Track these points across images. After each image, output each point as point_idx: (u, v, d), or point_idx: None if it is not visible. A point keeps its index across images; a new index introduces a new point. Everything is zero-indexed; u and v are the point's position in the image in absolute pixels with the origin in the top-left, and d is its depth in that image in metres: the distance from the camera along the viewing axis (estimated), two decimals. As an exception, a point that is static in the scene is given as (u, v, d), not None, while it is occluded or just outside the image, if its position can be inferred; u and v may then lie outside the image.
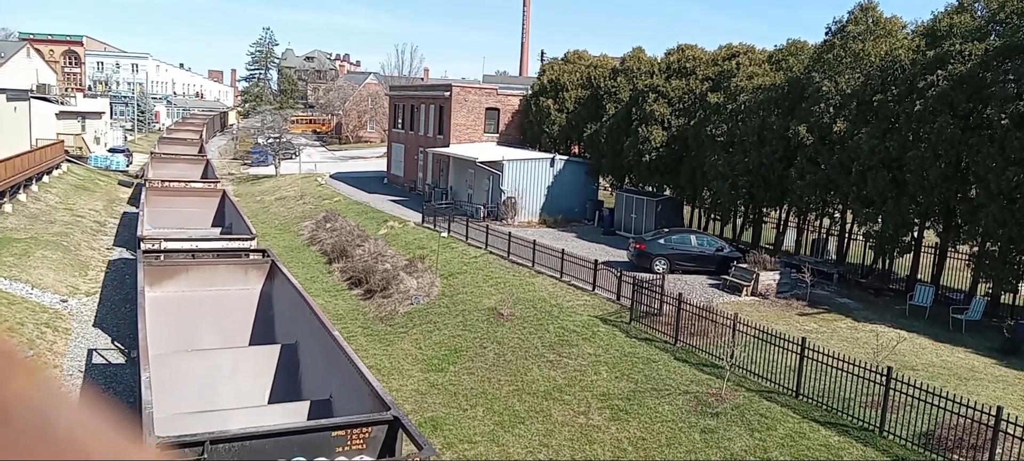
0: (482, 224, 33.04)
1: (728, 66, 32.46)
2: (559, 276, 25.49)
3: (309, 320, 16.60)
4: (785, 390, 16.25)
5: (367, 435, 10.82)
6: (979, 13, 23.73)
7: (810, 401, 15.71)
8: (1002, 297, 23.21)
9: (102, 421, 0.57)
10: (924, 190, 22.80)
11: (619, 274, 23.41)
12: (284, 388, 16.48)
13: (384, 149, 60.81)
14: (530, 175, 38.06)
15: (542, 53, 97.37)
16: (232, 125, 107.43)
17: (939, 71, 22.66)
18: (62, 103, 62.45)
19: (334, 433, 10.62)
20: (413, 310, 25.13)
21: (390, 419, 11.01)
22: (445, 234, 32.67)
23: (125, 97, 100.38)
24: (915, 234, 25.36)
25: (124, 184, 51.91)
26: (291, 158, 60.79)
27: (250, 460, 10.00)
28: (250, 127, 77.46)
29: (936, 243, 25.52)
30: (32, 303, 23.89)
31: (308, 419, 13.52)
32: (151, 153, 53.89)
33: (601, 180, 41.39)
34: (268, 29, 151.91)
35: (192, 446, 9.65)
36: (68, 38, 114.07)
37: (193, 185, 36.75)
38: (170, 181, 35.92)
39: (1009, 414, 12.64)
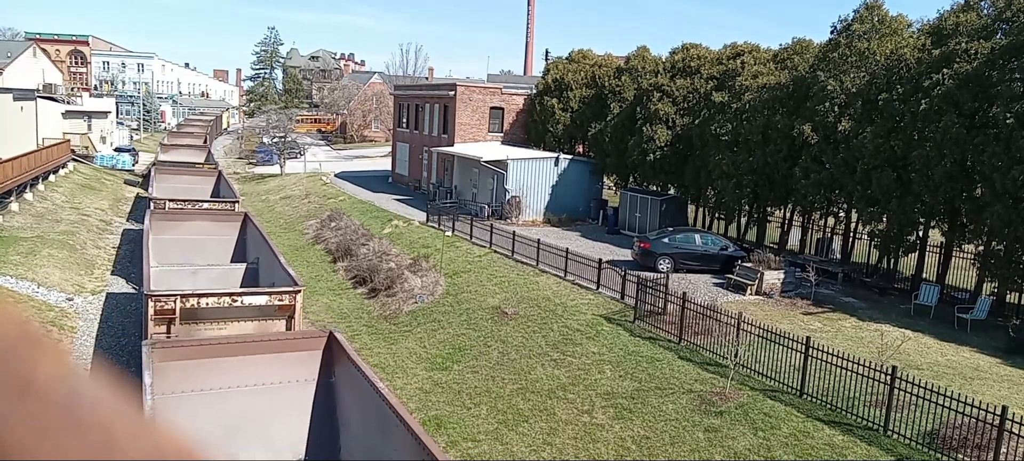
0: (486, 223, 33.08)
1: (733, 65, 32.41)
2: (563, 275, 25.51)
3: None
4: (789, 389, 16.25)
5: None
6: (985, 12, 23.65)
7: (814, 400, 15.70)
8: (1007, 296, 23.16)
9: (124, 400, 0.60)
10: (929, 189, 22.74)
11: (623, 273, 23.42)
12: None
13: (389, 148, 60.89)
14: (534, 174, 38.09)
15: (547, 52, 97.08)
16: (227, 128, 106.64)
17: (945, 70, 22.61)
18: (68, 102, 62.73)
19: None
20: (417, 309, 25.18)
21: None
22: (449, 233, 32.74)
23: (131, 97, 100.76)
24: (920, 233, 25.30)
25: (130, 183, 52.14)
26: (296, 157, 60.97)
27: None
28: (255, 126, 77.61)
29: (941, 242, 25.46)
30: (38, 301, 24.02)
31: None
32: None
33: (605, 179, 41.38)
34: (273, 29, 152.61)
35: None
36: (74, 38, 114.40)
37: (205, 207, 29.69)
38: (178, 202, 29.14)
39: (1014, 413, 12.62)
